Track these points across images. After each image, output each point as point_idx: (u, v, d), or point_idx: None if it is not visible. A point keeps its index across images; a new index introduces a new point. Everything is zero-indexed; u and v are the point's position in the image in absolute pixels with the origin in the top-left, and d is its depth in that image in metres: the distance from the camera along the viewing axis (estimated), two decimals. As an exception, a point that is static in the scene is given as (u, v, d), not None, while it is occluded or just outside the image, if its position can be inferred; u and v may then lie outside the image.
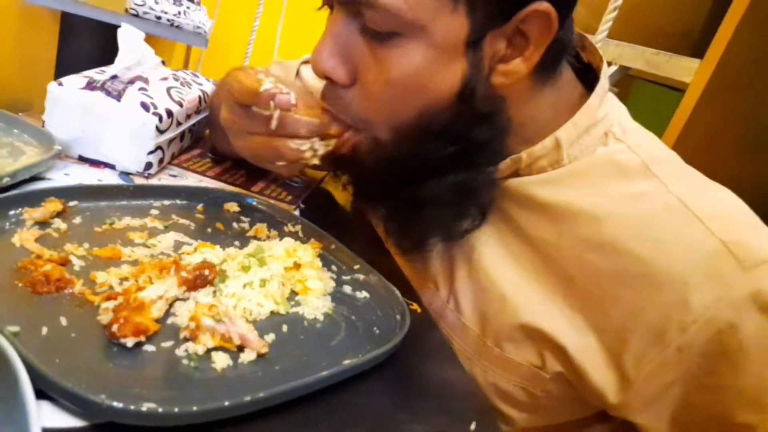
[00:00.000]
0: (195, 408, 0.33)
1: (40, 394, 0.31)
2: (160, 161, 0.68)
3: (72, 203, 0.53)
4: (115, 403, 0.31)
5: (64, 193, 0.52)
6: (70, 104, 0.62)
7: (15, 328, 0.35)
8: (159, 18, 1.64)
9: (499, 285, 0.56)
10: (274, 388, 0.36)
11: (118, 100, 0.63)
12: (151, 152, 0.65)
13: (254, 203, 0.66)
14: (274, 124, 0.50)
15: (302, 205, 0.75)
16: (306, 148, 0.51)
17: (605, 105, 0.55)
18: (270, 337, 0.43)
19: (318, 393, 0.39)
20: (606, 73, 0.56)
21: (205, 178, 0.72)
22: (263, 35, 2.05)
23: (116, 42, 0.68)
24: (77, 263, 0.44)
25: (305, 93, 0.51)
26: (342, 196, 0.88)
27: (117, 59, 0.68)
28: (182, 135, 0.74)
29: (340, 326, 0.48)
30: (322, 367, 0.40)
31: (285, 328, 0.45)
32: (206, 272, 0.45)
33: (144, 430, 0.32)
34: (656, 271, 0.48)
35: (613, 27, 1.09)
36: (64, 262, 0.43)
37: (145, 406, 0.32)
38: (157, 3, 1.65)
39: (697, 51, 1.20)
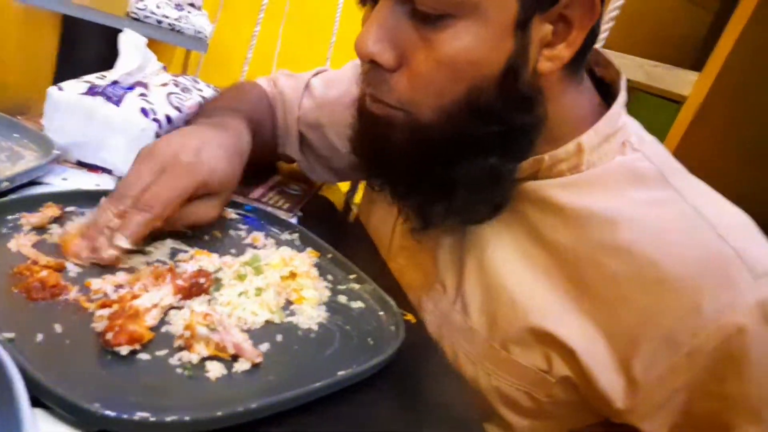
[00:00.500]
0: (187, 418, 0.33)
1: (36, 402, 0.31)
2: (159, 167, 0.68)
3: (70, 208, 0.53)
4: (108, 412, 0.31)
5: (62, 198, 0.52)
6: (70, 109, 0.63)
7: (10, 335, 0.35)
8: (160, 22, 1.65)
9: (509, 287, 0.56)
10: (268, 399, 0.36)
11: (118, 106, 0.63)
12: (149, 158, 0.65)
13: (252, 211, 0.66)
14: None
15: (300, 213, 0.75)
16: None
17: (623, 115, 0.56)
18: (264, 346, 0.43)
19: (312, 404, 0.39)
20: (625, 84, 0.57)
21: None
22: (264, 41, 2.05)
23: (117, 46, 0.69)
24: (73, 270, 0.44)
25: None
26: (340, 202, 0.89)
27: (118, 64, 0.68)
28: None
29: (334, 336, 0.48)
30: (316, 378, 0.40)
31: (280, 337, 0.45)
32: (202, 280, 0.45)
33: (137, 439, 0.32)
34: (671, 276, 0.49)
35: (613, 39, 1.09)
36: (60, 269, 0.43)
37: (138, 416, 0.32)
38: (158, 7, 1.66)
39: (697, 64, 1.21)
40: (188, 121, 0.69)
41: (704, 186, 0.55)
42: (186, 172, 0.51)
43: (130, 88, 0.66)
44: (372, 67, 0.51)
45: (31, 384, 0.31)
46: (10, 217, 0.48)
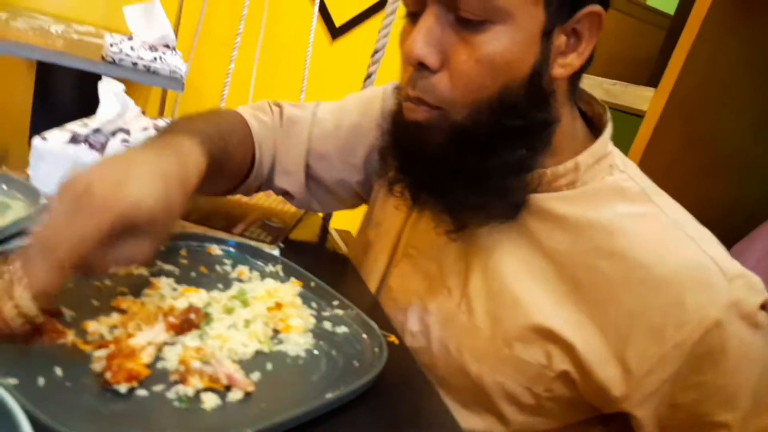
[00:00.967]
0: None
1: (42, 440, 0.33)
2: (143, 209, 0.70)
3: (60, 255, 0.55)
4: (112, 446, 0.33)
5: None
6: (55, 158, 0.65)
7: (13, 381, 0.37)
8: (135, 64, 1.68)
9: (512, 289, 0.61)
10: (261, 425, 0.39)
11: (102, 153, 0.66)
12: (134, 201, 0.67)
13: (235, 245, 0.68)
14: None
15: (281, 245, 0.77)
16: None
17: (610, 143, 0.64)
18: (255, 375, 0.45)
19: (303, 426, 0.41)
20: (609, 117, 0.65)
21: (187, 222, 0.75)
22: (238, 77, 2.09)
23: (93, 90, 0.71)
24: (68, 314, 0.46)
25: None
26: (318, 230, 0.91)
27: (98, 112, 0.71)
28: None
29: (321, 361, 0.50)
30: (305, 402, 0.43)
31: (269, 366, 0.47)
32: (192, 316, 0.47)
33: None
34: (658, 277, 0.55)
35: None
36: (56, 314, 0.46)
37: (139, 448, 0.34)
38: (132, 49, 1.68)
39: (652, 80, 1.27)
40: None
41: (677, 204, 0.63)
42: (100, 208, 0.42)
43: (113, 134, 0.69)
44: (416, 70, 0.56)
45: (39, 425, 0.33)
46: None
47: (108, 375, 0.39)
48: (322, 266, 0.76)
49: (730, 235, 0.63)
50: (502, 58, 0.54)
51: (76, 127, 0.70)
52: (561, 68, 0.57)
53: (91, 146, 0.66)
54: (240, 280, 0.61)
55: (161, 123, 0.83)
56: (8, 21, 1.62)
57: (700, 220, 0.61)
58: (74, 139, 0.66)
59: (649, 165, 0.67)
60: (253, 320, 0.50)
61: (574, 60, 0.58)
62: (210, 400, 0.41)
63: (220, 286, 0.58)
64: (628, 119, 1.33)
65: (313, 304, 0.59)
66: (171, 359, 0.44)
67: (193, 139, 0.55)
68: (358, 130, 0.82)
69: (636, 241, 0.57)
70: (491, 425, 0.63)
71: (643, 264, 0.56)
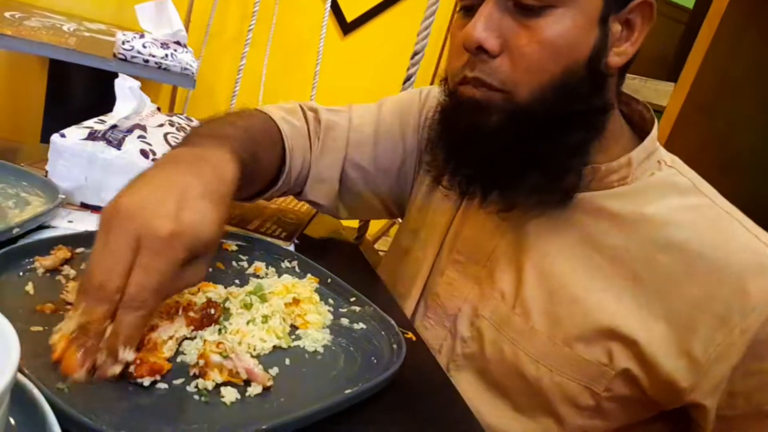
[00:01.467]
0: None
1: (67, 434, 0.33)
2: (159, 205, 0.71)
3: (79, 250, 0.55)
4: (134, 439, 0.33)
5: (72, 240, 0.55)
6: (73, 154, 0.65)
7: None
8: (147, 61, 1.68)
9: (569, 289, 0.61)
10: (280, 419, 0.39)
11: (119, 149, 0.66)
12: (150, 197, 0.68)
13: (251, 241, 0.68)
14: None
15: (297, 241, 0.77)
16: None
17: (656, 139, 0.65)
18: (274, 370, 0.45)
19: (321, 422, 0.41)
20: (653, 114, 0.66)
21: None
22: (249, 74, 2.10)
23: (105, 87, 0.71)
24: None
25: None
26: (333, 227, 0.91)
27: (115, 109, 0.71)
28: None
29: (339, 357, 0.50)
30: (324, 397, 0.43)
31: (288, 361, 0.47)
32: (212, 311, 0.47)
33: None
34: (717, 265, 0.56)
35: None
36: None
37: (162, 441, 0.34)
38: (144, 47, 1.69)
39: (672, 75, 1.26)
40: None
41: (722, 196, 0.63)
42: (168, 248, 0.41)
43: (129, 131, 0.69)
44: (475, 55, 0.57)
45: (64, 417, 0.33)
46: (24, 262, 0.50)
47: (131, 368, 0.40)
48: (337, 263, 0.76)
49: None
50: (564, 40, 0.55)
51: (93, 123, 0.70)
52: (616, 56, 0.59)
53: (109, 143, 0.66)
54: (257, 276, 0.61)
55: (176, 119, 0.83)
56: (21, 20, 1.63)
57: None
58: (92, 136, 0.66)
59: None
60: (272, 316, 0.50)
61: (627, 49, 0.59)
62: (230, 394, 0.41)
63: (237, 281, 0.58)
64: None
65: (330, 301, 0.59)
66: (191, 353, 0.44)
67: (224, 147, 0.53)
68: (395, 137, 0.81)
69: (692, 232, 0.58)
70: (546, 428, 0.62)
71: (702, 254, 0.56)
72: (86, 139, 0.66)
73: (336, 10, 2.29)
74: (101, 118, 0.73)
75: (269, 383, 0.43)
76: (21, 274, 0.49)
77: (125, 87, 0.72)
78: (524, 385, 0.62)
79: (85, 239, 0.57)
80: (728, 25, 1.15)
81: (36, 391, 0.33)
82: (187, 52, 1.81)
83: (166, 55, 1.71)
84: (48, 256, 0.51)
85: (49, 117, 1.95)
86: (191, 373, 0.42)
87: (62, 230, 0.61)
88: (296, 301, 0.54)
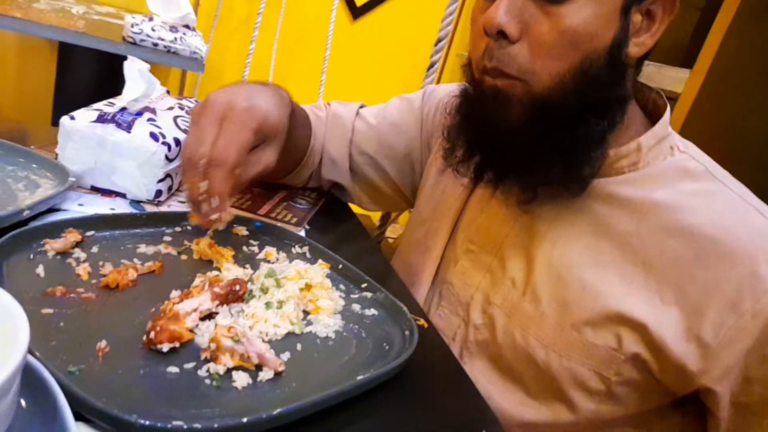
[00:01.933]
0: (216, 425, 0.35)
1: (78, 417, 0.33)
2: (170, 189, 0.70)
3: (89, 233, 0.55)
4: (145, 422, 0.33)
5: (82, 223, 0.55)
6: (83, 137, 0.65)
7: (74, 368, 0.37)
8: (156, 45, 1.67)
9: (578, 275, 0.61)
10: (291, 405, 0.38)
11: (129, 132, 0.65)
12: (161, 180, 0.67)
13: (262, 226, 0.68)
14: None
15: (307, 226, 0.77)
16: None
17: (668, 125, 0.64)
18: (285, 355, 0.45)
19: (332, 408, 0.41)
20: (666, 101, 0.65)
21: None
22: (258, 58, 2.09)
23: (114, 70, 0.71)
24: None
25: None
26: (343, 214, 0.91)
27: (125, 91, 0.70)
28: (189, 162, 0.76)
29: (351, 343, 0.50)
30: (335, 384, 0.42)
31: (299, 346, 0.47)
32: (237, 288, 0.48)
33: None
34: (729, 251, 0.55)
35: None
36: None
37: (173, 424, 0.34)
38: (153, 30, 1.68)
39: (687, 61, 1.24)
40: None
41: (738, 181, 0.63)
42: (246, 118, 0.55)
43: (139, 113, 0.69)
44: (494, 41, 0.56)
45: (76, 400, 0.33)
46: (35, 244, 0.50)
47: (152, 335, 0.40)
48: (348, 248, 0.76)
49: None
50: (585, 29, 0.55)
51: (103, 106, 0.69)
52: (636, 47, 0.58)
53: (118, 125, 0.65)
54: (267, 261, 0.60)
55: (185, 102, 0.83)
56: (30, 3, 1.62)
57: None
58: (101, 119, 0.66)
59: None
60: (287, 301, 0.49)
61: (647, 40, 0.58)
62: (241, 379, 0.41)
63: (248, 266, 0.58)
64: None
65: (342, 286, 0.59)
66: (203, 337, 0.43)
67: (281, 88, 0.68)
68: (398, 128, 0.87)
69: (704, 217, 0.57)
70: (560, 414, 0.62)
71: (714, 239, 0.56)
72: (95, 121, 0.65)
73: (346, -6, 2.27)
74: (111, 100, 0.72)
75: (281, 368, 0.43)
76: (31, 256, 0.49)
77: (134, 69, 0.71)
78: (535, 371, 0.63)
79: (95, 222, 0.56)
80: (744, 11, 1.13)
81: (46, 374, 0.33)
82: (196, 35, 1.80)
83: (175, 39, 1.70)
84: (58, 238, 0.51)
85: (59, 100, 1.95)
86: (202, 357, 0.42)
87: (73, 213, 0.60)
88: (308, 287, 0.53)
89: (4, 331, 0.29)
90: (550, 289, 0.63)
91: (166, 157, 0.67)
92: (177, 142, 0.69)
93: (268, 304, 0.48)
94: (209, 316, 0.47)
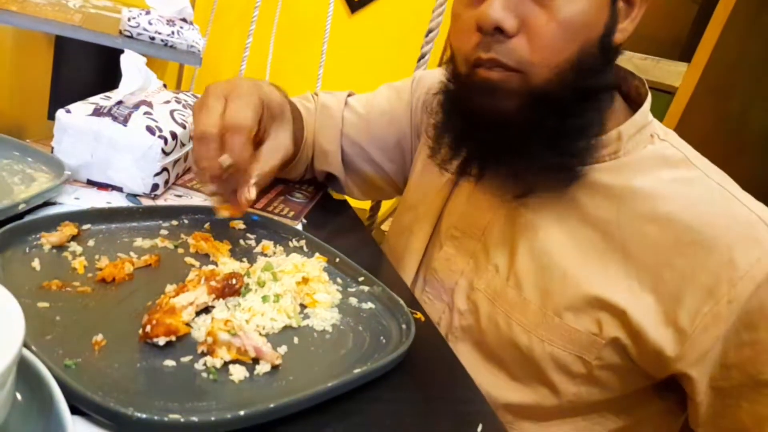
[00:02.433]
0: (213, 418, 0.35)
1: (74, 410, 0.33)
2: (166, 182, 0.70)
3: (86, 226, 0.55)
4: (141, 415, 0.33)
5: (78, 217, 0.54)
6: (79, 131, 0.64)
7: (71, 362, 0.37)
8: (153, 39, 1.67)
9: (559, 262, 0.62)
10: (288, 398, 0.38)
11: (125, 125, 0.65)
12: (157, 174, 0.67)
13: (259, 220, 0.68)
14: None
15: (304, 220, 0.77)
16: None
17: (649, 114, 0.65)
18: (282, 349, 0.45)
19: (330, 401, 0.41)
20: (648, 89, 0.65)
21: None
22: (256, 52, 2.08)
23: (111, 64, 0.70)
24: None
25: None
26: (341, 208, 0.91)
27: (121, 85, 0.70)
28: (186, 156, 0.76)
29: (348, 337, 0.50)
30: (332, 377, 0.42)
31: (296, 340, 0.47)
32: (233, 282, 0.48)
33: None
34: (706, 238, 0.56)
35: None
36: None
37: (169, 417, 0.34)
38: (150, 24, 1.67)
39: (685, 55, 1.24)
40: None
41: (718, 168, 0.63)
42: (249, 92, 0.58)
43: (135, 107, 0.68)
44: (491, 35, 0.56)
45: (72, 394, 0.33)
46: (30, 238, 0.50)
47: (148, 329, 0.40)
48: (345, 242, 0.76)
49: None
50: (581, 19, 0.55)
51: (99, 99, 0.69)
52: (619, 33, 0.59)
53: (114, 119, 0.65)
54: (264, 255, 0.60)
55: (182, 96, 0.82)
56: (27, -5, 1.61)
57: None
58: (97, 112, 0.65)
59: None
60: (284, 294, 0.49)
61: (628, 26, 0.59)
62: (238, 372, 0.41)
63: (245, 260, 0.58)
64: (657, 96, 1.30)
65: (339, 280, 0.59)
66: (199, 331, 0.43)
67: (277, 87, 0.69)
68: (388, 117, 0.87)
69: (682, 204, 0.58)
70: (543, 397, 0.63)
71: (691, 226, 0.57)
72: (92, 115, 0.65)
73: (344, -13, 2.26)
74: (107, 94, 0.72)
75: (278, 362, 0.43)
76: (27, 250, 0.49)
77: (131, 63, 0.70)
78: (518, 355, 0.64)
79: (92, 216, 0.56)
80: (742, 6, 1.12)
81: (43, 368, 0.33)
82: (193, 29, 1.80)
83: (173, 33, 1.69)
84: (54, 232, 0.51)
85: (56, 94, 1.94)
86: (199, 351, 0.42)
87: (69, 207, 0.60)
88: (305, 280, 0.53)
89: (-1, 325, 0.28)
90: (533, 275, 0.63)
91: (163, 151, 0.66)
92: (173, 135, 0.69)
93: (264, 298, 0.48)
94: (206, 309, 0.47)
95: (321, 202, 0.88)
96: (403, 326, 0.51)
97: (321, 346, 0.48)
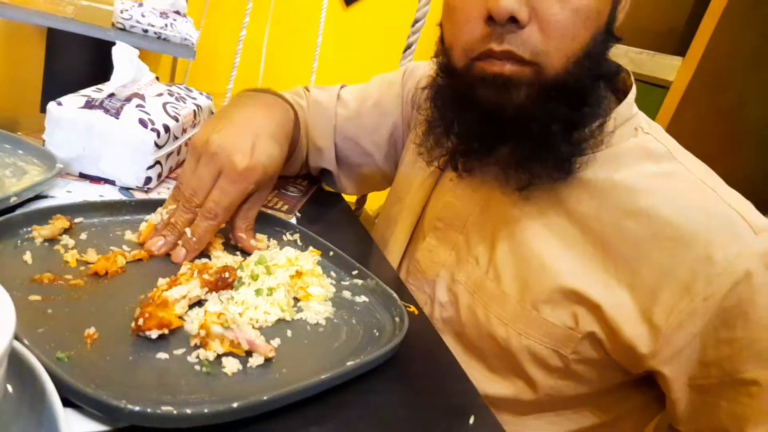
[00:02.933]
0: (206, 410, 0.35)
1: (67, 403, 0.33)
2: (159, 175, 0.70)
3: (78, 219, 0.54)
4: (134, 408, 0.33)
5: (70, 210, 0.54)
6: (70, 123, 0.64)
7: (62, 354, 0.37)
8: (146, 31, 1.65)
9: (538, 255, 0.62)
10: (281, 391, 0.38)
11: (117, 118, 0.65)
12: (150, 167, 0.67)
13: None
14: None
15: (298, 214, 0.77)
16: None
17: (634, 106, 0.64)
18: (276, 342, 0.45)
19: (323, 393, 0.41)
20: (633, 81, 0.65)
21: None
22: (250, 45, 2.06)
23: (103, 56, 0.70)
24: None
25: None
26: (334, 202, 0.91)
27: (113, 77, 0.69)
28: (179, 149, 0.75)
29: (341, 330, 0.50)
30: (326, 369, 0.42)
31: (290, 333, 0.47)
32: (226, 275, 0.48)
33: (162, 432, 0.34)
34: (685, 233, 0.56)
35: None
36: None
37: (162, 410, 0.34)
38: (143, 16, 1.66)
39: (680, 49, 1.24)
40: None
41: (701, 163, 0.63)
42: (242, 179, 0.57)
43: (127, 100, 0.68)
44: (503, 26, 0.55)
45: (65, 387, 0.33)
46: (22, 231, 0.49)
47: (140, 322, 0.40)
48: (339, 236, 0.76)
49: (755, 206, 0.63)
50: (594, 6, 0.54)
51: (91, 92, 0.69)
52: (616, 22, 0.58)
53: (106, 111, 0.65)
54: (258, 248, 0.60)
55: (175, 89, 0.82)
56: (19, -14, 1.59)
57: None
58: (89, 105, 0.65)
59: (674, 136, 0.66)
60: (277, 288, 0.49)
61: (620, 14, 0.58)
62: (231, 365, 0.41)
63: (238, 253, 0.58)
64: (651, 90, 1.30)
65: (333, 273, 0.59)
66: (192, 323, 0.43)
67: (283, 98, 0.73)
68: (380, 109, 0.86)
69: (662, 199, 0.57)
70: (520, 390, 0.63)
71: (670, 221, 0.56)
72: (84, 107, 0.64)
73: (338, -20, 2.25)
74: (99, 86, 0.71)
75: (271, 354, 0.43)
76: (18, 243, 0.48)
77: (123, 55, 0.70)
78: (496, 348, 0.64)
79: (84, 209, 0.56)
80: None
81: (34, 360, 0.32)
82: (186, 21, 1.78)
83: (166, 25, 1.68)
84: (46, 225, 0.50)
85: (48, 86, 1.92)
86: (192, 344, 0.42)
87: (61, 200, 0.60)
88: (299, 274, 0.53)
89: (-11, 318, 0.28)
90: (512, 267, 0.63)
91: (156, 144, 0.66)
92: (166, 128, 0.69)
93: (258, 291, 0.48)
94: (198, 303, 0.47)
95: (315, 196, 0.88)
96: (397, 319, 0.51)
97: (314, 339, 0.48)
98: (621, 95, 0.64)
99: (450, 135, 0.64)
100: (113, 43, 0.71)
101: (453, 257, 0.69)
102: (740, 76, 1.19)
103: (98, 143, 0.65)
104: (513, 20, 0.53)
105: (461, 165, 0.64)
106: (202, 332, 0.42)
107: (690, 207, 0.57)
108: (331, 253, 0.61)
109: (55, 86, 1.93)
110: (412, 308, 0.58)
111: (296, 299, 0.52)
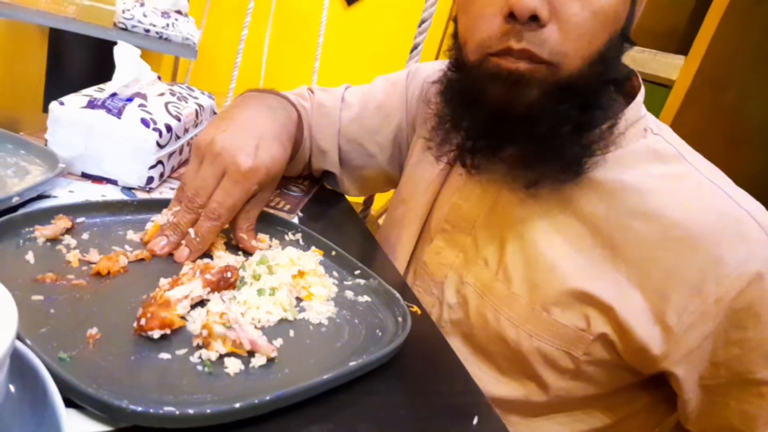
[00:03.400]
0: (208, 410, 0.35)
1: (69, 403, 0.33)
2: (161, 175, 0.70)
3: (80, 219, 0.54)
4: (137, 408, 0.33)
5: (72, 210, 0.54)
6: (72, 123, 0.64)
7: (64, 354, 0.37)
8: (148, 31, 1.66)
9: (548, 256, 0.62)
10: (283, 391, 0.38)
11: (119, 118, 0.65)
12: (152, 167, 0.67)
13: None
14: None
15: (300, 214, 0.77)
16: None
17: (643, 107, 0.64)
18: (278, 342, 0.45)
19: (326, 393, 0.41)
20: (641, 82, 0.65)
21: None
22: (251, 44, 2.07)
23: (105, 56, 0.70)
24: None
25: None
26: (336, 202, 0.91)
27: (115, 77, 0.69)
28: (181, 149, 0.75)
29: (344, 330, 0.50)
30: (328, 369, 0.42)
31: (292, 333, 0.47)
32: (228, 275, 0.48)
33: (164, 432, 0.34)
34: (694, 235, 0.55)
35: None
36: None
37: (164, 410, 0.34)
38: (145, 16, 1.66)
39: (682, 48, 1.23)
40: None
41: (711, 164, 0.62)
42: (245, 179, 0.57)
43: (129, 99, 0.68)
44: (524, 24, 0.54)
45: (67, 387, 0.33)
46: (24, 231, 0.49)
47: (143, 321, 0.40)
48: (341, 235, 0.76)
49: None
50: (613, 7, 0.54)
51: (93, 91, 0.69)
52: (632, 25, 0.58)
53: (108, 111, 0.65)
54: (259, 248, 0.60)
55: (177, 88, 0.82)
56: (21, -14, 1.59)
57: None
58: (91, 104, 0.65)
59: (679, 134, 0.66)
60: (279, 288, 0.49)
61: (637, 13, 0.58)
62: (233, 365, 0.41)
63: (240, 253, 0.58)
64: (654, 90, 1.30)
65: (335, 273, 0.59)
66: (195, 323, 0.43)
67: (286, 99, 0.73)
68: (384, 111, 0.86)
69: (671, 200, 0.57)
70: (531, 392, 0.63)
71: (679, 222, 0.56)
72: (86, 107, 0.64)
73: (340, -21, 2.25)
74: (101, 86, 0.71)
75: (273, 354, 0.43)
76: (21, 243, 0.48)
77: (124, 55, 0.70)
78: (506, 350, 0.63)
79: (85, 209, 0.56)
80: (742, -3, 1.12)
81: (36, 360, 0.32)
82: (188, 21, 1.78)
83: (167, 25, 1.68)
84: (48, 225, 0.50)
85: (51, 86, 1.93)
86: (194, 344, 0.42)
87: (63, 200, 0.60)
88: (301, 273, 0.53)
89: (-9, 318, 0.28)
90: (522, 269, 0.63)
91: (158, 144, 0.66)
92: (168, 128, 0.69)
93: (260, 291, 0.48)
94: (200, 303, 0.47)
95: (317, 195, 0.87)
96: (399, 319, 0.51)
97: (317, 339, 0.48)
98: (629, 97, 0.64)
99: (459, 130, 0.63)
100: (115, 43, 0.71)
101: (461, 259, 0.69)
102: (742, 74, 1.18)
103: (100, 143, 0.65)
104: (534, 18, 0.53)
105: (469, 161, 0.64)
106: (205, 332, 0.41)
107: (699, 208, 0.56)
108: (334, 253, 0.61)
109: (57, 86, 1.94)
110: (415, 308, 0.58)
111: (298, 299, 0.52)
